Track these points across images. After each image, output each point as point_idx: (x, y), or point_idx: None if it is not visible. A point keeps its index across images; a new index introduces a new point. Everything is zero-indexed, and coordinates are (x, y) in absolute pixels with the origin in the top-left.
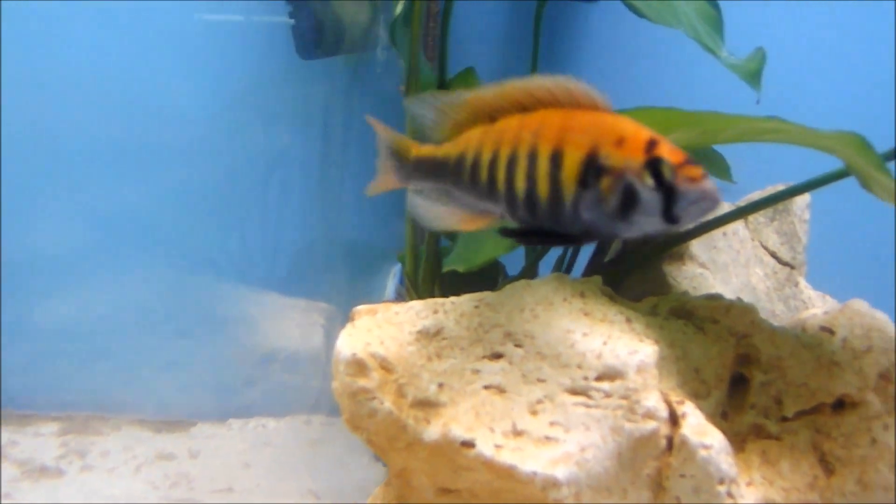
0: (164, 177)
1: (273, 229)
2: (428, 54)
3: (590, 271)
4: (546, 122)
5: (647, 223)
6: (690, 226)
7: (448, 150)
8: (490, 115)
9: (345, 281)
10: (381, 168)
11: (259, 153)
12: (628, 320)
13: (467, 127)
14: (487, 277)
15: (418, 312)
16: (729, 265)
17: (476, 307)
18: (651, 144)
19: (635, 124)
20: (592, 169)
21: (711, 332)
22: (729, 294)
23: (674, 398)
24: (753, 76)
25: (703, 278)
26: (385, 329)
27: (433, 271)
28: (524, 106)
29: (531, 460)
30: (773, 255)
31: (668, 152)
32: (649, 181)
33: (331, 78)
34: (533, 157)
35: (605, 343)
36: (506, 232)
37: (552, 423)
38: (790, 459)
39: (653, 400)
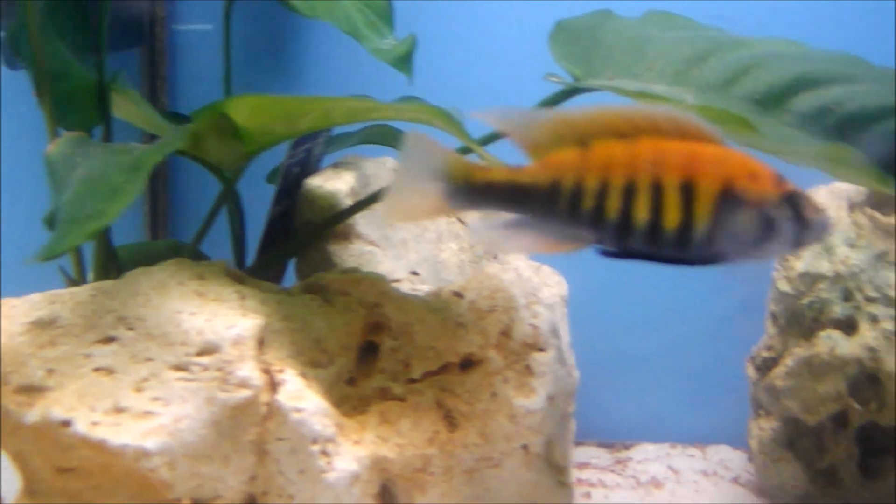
0: None
1: None
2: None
3: (260, 258)
4: (667, 153)
5: (780, 249)
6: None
7: (535, 174)
8: (579, 140)
9: None
10: (416, 191)
11: None
12: (242, 298)
13: (548, 149)
14: None
15: (34, 304)
16: (408, 241)
17: (93, 295)
18: (780, 179)
19: (755, 159)
20: (730, 201)
21: (340, 304)
22: (401, 269)
23: (276, 367)
24: (401, 61)
25: (371, 255)
26: None
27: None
28: (622, 133)
29: (125, 434)
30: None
31: (797, 187)
32: (787, 213)
33: None
34: (657, 187)
35: (208, 320)
36: (610, 253)
37: (154, 399)
38: (412, 418)
39: (246, 370)
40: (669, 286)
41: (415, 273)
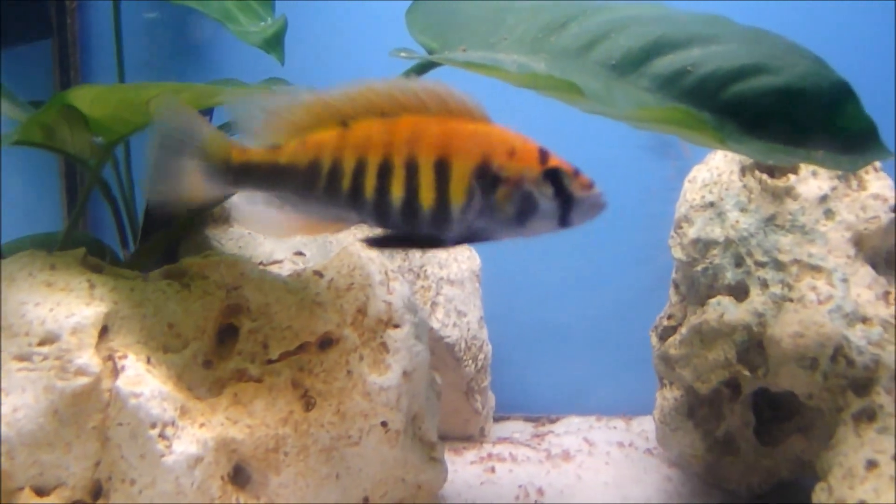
0: None
1: None
2: None
3: (141, 245)
4: (424, 130)
5: (543, 227)
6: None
7: (294, 155)
8: (340, 119)
9: None
10: (176, 172)
11: None
12: (91, 286)
13: (309, 130)
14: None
15: None
16: None
17: None
18: (543, 155)
19: (520, 135)
20: (485, 178)
21: (198, 288)
22: (283, 250)
23: (119, 354)
24: (270, 43)
25: (251, 238)
26: None
27: None
28: (384, 111)
29: None
30: None
31: (560, 162)
32: (548, 190)
33: None
34: (412, 166)
35: (51, 310)
36: (372, 242)
37: None
38: (266, 399)
39: (85, 358)
40: (592, 259)
41: (299, 253)
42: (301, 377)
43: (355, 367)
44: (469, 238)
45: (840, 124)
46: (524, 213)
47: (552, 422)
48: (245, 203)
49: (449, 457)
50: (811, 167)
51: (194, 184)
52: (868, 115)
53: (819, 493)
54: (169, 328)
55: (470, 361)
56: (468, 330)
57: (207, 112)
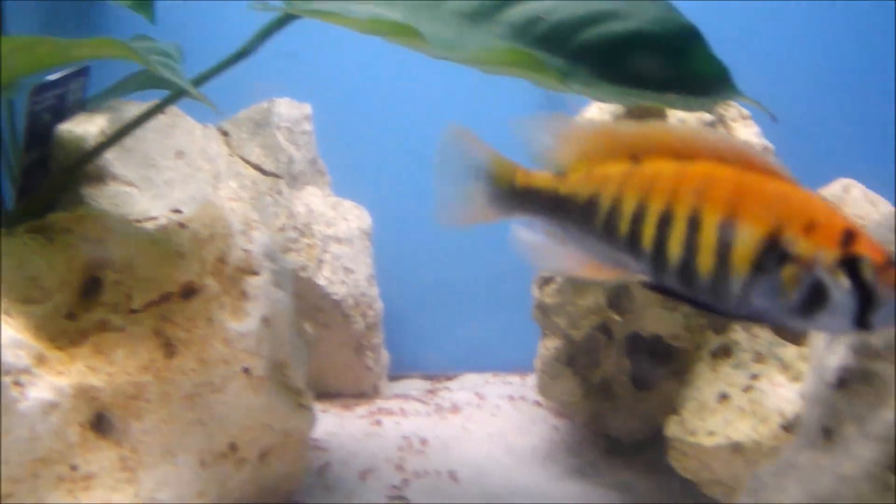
0: None
1: None
2: None
3: (18, 204)
4: (715, 181)
5: (835, 326)
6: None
7: (576, 185)
8: (631, 154)
9: None
10: (461, 195)
11: None
12: None
13: (598, 161)
14: None
15: None
16: (174, 181)
17: None
18: (848, 235)
19: (828, 206)
20: (774, 252)
21: (62, 242)
22: (160, 208)
23: None
24: (139, 3)
25: (127, 196)
26: None
27: None
28: (677, 153)
29: None
30: (257, 167)
31: (868, 248)
32: (845, 281)
33: None
34: (694, 222)
35: None
36: (657, 289)
37: None
38: (128, 347)
39: None
40: None
41: (177, 211)
42: (163, 326)
43: (216, 315)
44: (753, 318)
45: (690, 67)
46: (812, 304)
47: (450, 379)
48: (525, 230)
49: (339, 412)
50: (679, 114)
51: (479, 207)
52: (718, 58)
53: (671, 426)
54: (31, 281)
55: (359, 318)
56: (356, 287)
57: (81, 71)
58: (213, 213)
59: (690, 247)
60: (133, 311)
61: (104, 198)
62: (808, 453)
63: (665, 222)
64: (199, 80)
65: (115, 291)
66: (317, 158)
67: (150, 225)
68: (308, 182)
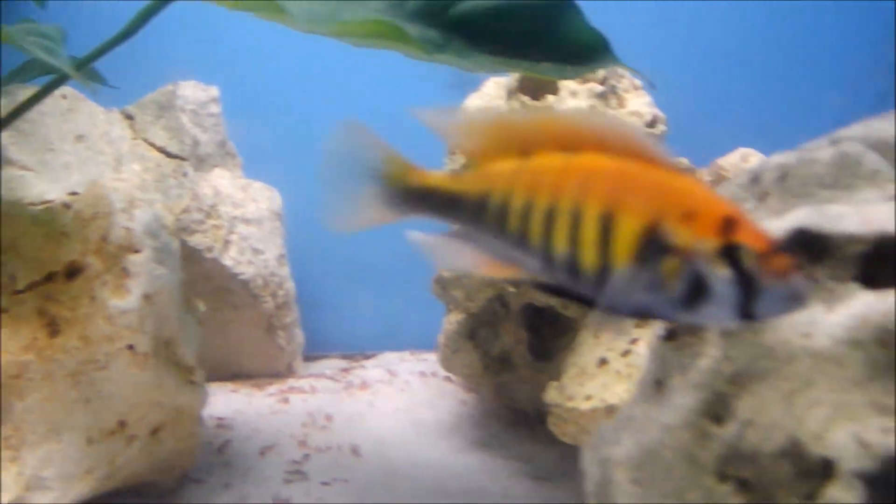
0: None
1: None
2: None
3: None
4: (597, 173)
5: (718, 317)
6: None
7: (468, 184)
8: (522, 147)
9: None
10: (353, 196)
11: None
12: None
13: (490, 156)
14: None
15: None
16: (72, 164)
17: None
18: (729, 223)
19: (709, 192)
20: (653, 244)
21: None
22: (57, 190)
23: None
24: None
25: (22, 179)
26: None
27: None
28: (566, 145)
29: None
30: (161, 150)
31: (750, 235)
32: (725, 271)
33: None
34: (577, 216)
35: None
36: (546, 287)
37: None
38: (11, 328)
39: None
40: None
41: (74, 193)
42: (47, 306)
43: (99, 293)
44: (640, 314)
45: (563, 36)
46: (694, 297)
47: (368, 358)
48: (417, 232)
49: (250, 391)
50: (571, 86)
51: (371, 210)
52: (594, 27)
53: (550, 392)
54: None
55: (269, 298)
56: (265, 267)
57: None
58: (97, 194)
59: (574, 242)
60: (17, 292)
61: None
62: (642, 405)
63: (551, 218)
64: (84, 62)
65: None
66: (226, 141)
67: (42, 207)
68: (216, 164)
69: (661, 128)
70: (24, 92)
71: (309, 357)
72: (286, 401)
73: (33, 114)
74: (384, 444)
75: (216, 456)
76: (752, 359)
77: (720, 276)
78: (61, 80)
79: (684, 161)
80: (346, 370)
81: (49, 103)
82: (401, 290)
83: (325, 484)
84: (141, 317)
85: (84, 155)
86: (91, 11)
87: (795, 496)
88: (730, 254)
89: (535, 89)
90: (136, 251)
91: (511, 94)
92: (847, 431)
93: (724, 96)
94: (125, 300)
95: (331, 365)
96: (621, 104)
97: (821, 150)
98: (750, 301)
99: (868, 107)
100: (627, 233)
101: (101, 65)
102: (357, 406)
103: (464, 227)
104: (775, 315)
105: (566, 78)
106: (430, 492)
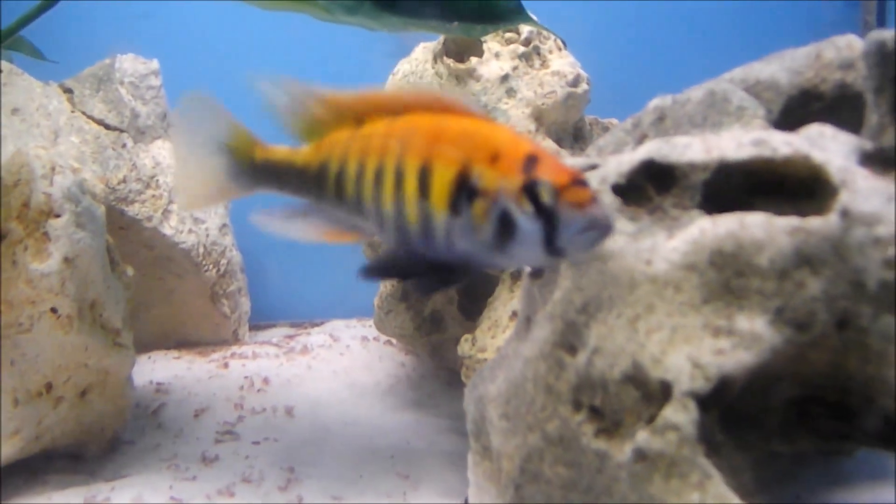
0: None
1: None
2: None
3: None
4: (414, 129)
5: (529, 255)
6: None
7: (308, 156)
8: (357, 118)
9: None
10: (202, 170)
11: None
12: None
13: (329, 127)
14: None
15: None
16: (7, 138)
17: None
18: (530, 161)
19: (513, 135)
20: (464, 190)
21: None
22: None
23: None
24: None
25: None
26: None
27: None
28: (393, 110)
29: None
30: (100, 122)
31: (550, 171)
32: (528, 206)
33: None
34: (400, 173)
35: None
36: (367, 272)
37: None
38: None
39: None
40: None
41: None
42: None
43: (20, 258)
44: (463, 266)
45: None
46: (503, 236)
47: (315, 325)
48: (259, 215)
49: (193, 358)
50: (494, 49)
51: (219, 184)
52: None
53: (463, 345)
54: None
55: (211, 267)
56: (207, 236)
57: None
58: (19, 161)
59: (399, 197)
60: None
61: None
62: (514, 343)
63: (379, 178)
64: (6, 34)
65: None
66: (167, 113)
67: None
68: (158, 136)
69: (583, 87)
70: None
71: (258, 326)
72: (226, 366)
73: None
74: (319, 404)
75: (150, 419)
76: (600, 287)
77: (523, 212)
78: None
79: (614, 121)
80: (290, 337)
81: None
82: (349, 259)
83: (255, 443)
84: (62, 279)
85: (19, 128)
86: None
87: (640, 420)
88: (530, 190)
89: (459, 53)
90: (57, 216)
91: (438, 57)
92: (682, 354)
93: (660, 57)
94: (46, 263)
95: (278, 333)
96: (545, 64)
97: (693, 91)
98: (553, 235)
99: None
100: (441, 182)
101: (42, 40)
102: (295, 370)
103: (309, 200)
104: (580, 248)
105: (474, 36)
106: (359, 449)
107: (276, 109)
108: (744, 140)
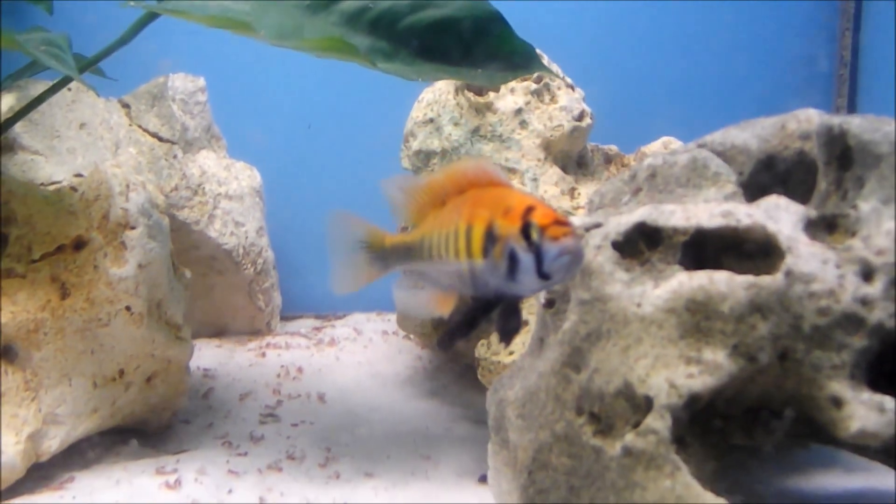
0: None
1: None
2: None
3: None
4: (465, 201)
5: (528, 281)
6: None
7: (415, 236)
8: (442, 199)
9: None
10: (350, 262)
11: None
12: None
13: (428, 209)
14: None
15: None
16: (76, 149)
17: None
18: (528, 211)
19: (522, 195)
20: (490, 239)
21: None
22: (63, 173)
23: None
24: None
25: (33, 163)
26: None
27: None
28: (462, 188)
29: None
30: (154, 135)
31: (539, 216)
32: (523, 243)
33: None
34: (456, 234)
35: None
36: (441, 344)
37: None
38: (28, 291)
39: None
40: (366, 178)
41: (79, 175)
42: (59, 273)
43: (101, 263)
44: (496, 299)
45: (494, 46)
46: (512, 268)
47: (338, 318)
48: (397, 289)
49: (233, 347)
50: (510, 85)
51: (363, 270)
52: (522, 40)
53: (479, 349)
54: None
55: (249, 265)
56: (246, 238)
57: None
58: (98, 178)
59: (456, 252)
60: (33, 261)
61: (13, 165)
62: (529, 358)
63: (447, 241)
64: (86, 66)
65: (17, 245)
66: (211, 125)
67: (52, 188)
68: (203, 147)
69: (587, 121)
70: (34, 86)
71: (286, 317)
72: (263, 355)
73: (42, 105)
74: (347, 392)
75: (201, 401)
76: (600, 322)
77: (520, 247)
78: (67, 80)
79: (613, 148)
80: (317, 328)
81: (56, 95)
82: None
83: (294, 425)
84: (136, 283)
85: (86, 140)
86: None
87: (628, 425)
88: (525, 231)
89: (478, 87)
90: (132, 228)
91: (458, 90)
92: (662, 376)
93: (652, 90)
94: (123, 269)
95: (305, 324)
96: (553, 100)
97: (680, 155)
98: (540, 263)
99: (789, 97)
100: (477, 236)
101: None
102: (324, 360)
103: (419, 269)
104: (559, 271)
105: (495, 84)
106: (384, 432)
107: (395, 204)
108: (715, 211)
